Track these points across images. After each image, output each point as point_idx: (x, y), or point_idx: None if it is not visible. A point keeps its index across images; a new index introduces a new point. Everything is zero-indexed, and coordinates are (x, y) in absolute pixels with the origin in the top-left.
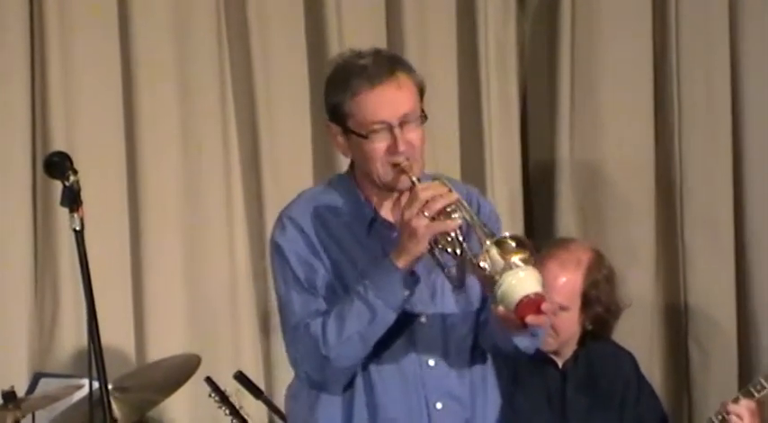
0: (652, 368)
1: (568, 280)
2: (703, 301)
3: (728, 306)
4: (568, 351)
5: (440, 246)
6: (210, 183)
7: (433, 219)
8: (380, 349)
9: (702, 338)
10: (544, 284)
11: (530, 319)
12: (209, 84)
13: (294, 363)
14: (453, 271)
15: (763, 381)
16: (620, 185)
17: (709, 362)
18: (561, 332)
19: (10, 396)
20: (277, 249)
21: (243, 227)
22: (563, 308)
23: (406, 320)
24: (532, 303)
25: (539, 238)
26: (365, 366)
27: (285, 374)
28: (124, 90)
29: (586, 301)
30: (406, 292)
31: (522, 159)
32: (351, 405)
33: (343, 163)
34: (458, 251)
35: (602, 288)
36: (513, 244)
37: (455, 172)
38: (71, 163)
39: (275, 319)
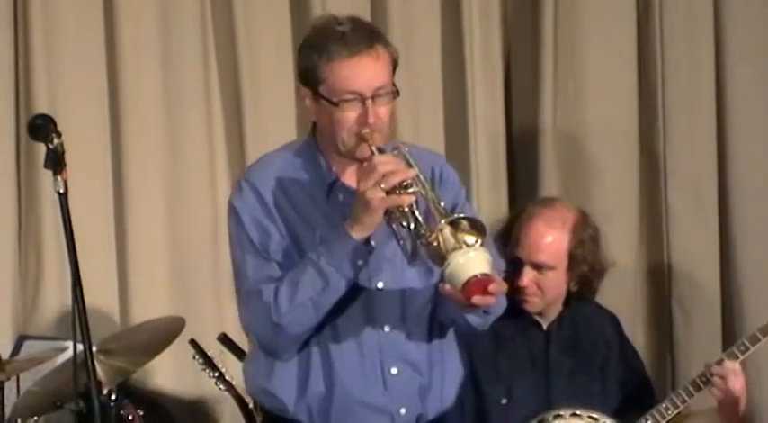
0: (635, 329)
1: (555, 239)
2: (686, 263)
3: (712, 267)
4: (553, 312)
5: (396, 217)
6: (194, 146)
7: (389, 192)
8: (336, 315)
9: (685, 299)
10: (532, 246)
11: (476, 299)
12: (193, 49)
13: (246, 327)
14: (408, 244)
15: (746, 342)
16: (603, 147)
17: (693, 323)
18: (547, 292)
19: None
20: (233, 212)
21: (226, 191)
22: (549, 267)
23: (362, 287)
24: (480, 283)
25: (522, 202)
26: (321, 332)
27: None
28: (107, 53)
29: (572, 260)
30: (360, 262)
31: (505, 123)
32: (307, 370)
33: None
34: (412, 225)
35: (588, 247)
36: (467, 225)
37: (438, 135)
38: (55, 125)
39: None
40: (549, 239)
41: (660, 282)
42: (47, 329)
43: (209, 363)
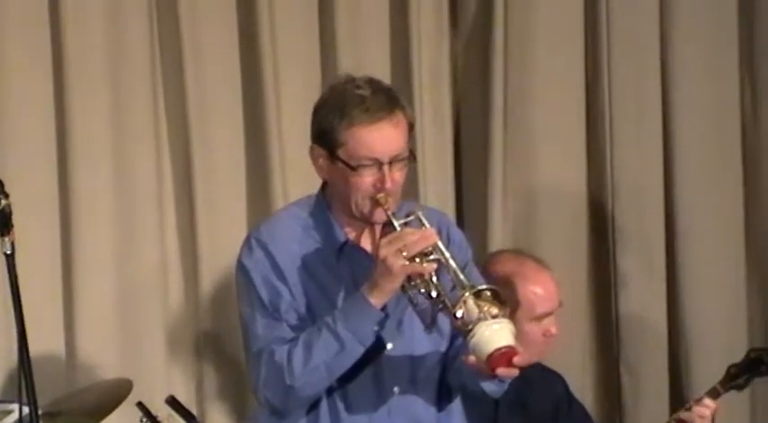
0: (584, 395)
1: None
2: (635, 328)
3: (660, 332)
4: None
5: (413, 284)
6: (143, 210)
7: (410, 259)
8: (346, 375)
9: (634, 365)
10: (553, 293)
11: (501, 371)
12: (141, 107)
13: (255, 388)
14: (425, 310)
15: (693, 404)
16: (553, 207)
17: (641, 388)
18: None
19: None
20: (243, 271)
21: (176, 256)
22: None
23: (372, 347)
24: (505, 356)
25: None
26: (330, 391)
27: (217, 399)
28: (56, 115)
29: None
30: (376, 328)
31: (455, 184)
32: None
33: (276, 177)
34: (432, 293)
35: None
36: (490, 295)
37: None
38: (2, 186)
39: (207, 344)
40: (553, 281)
41: (608, 344)
42: None
43: None
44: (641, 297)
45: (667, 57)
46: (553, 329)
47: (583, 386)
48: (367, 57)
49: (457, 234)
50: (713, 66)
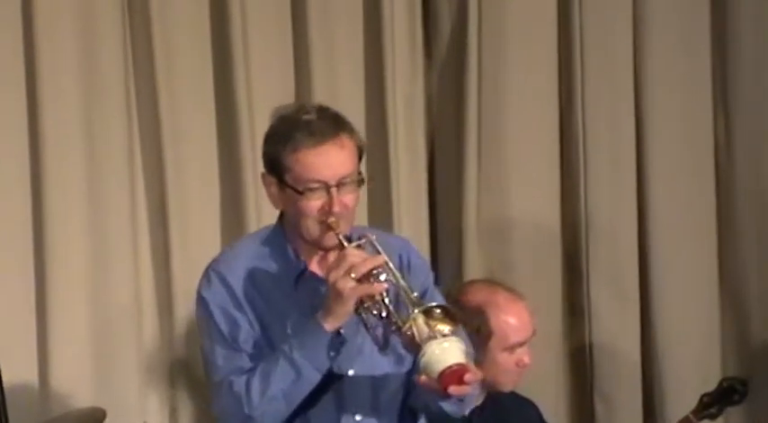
0: (558, 422)
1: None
2: (609, 358)
3: (634, 362)
4: (478, 397)
5: (366, 306)
6: (117, 240)
7: (359, 281)
8: (307, 403)
9: (607, 393)
10: (526, 322)
11: (452, 389)
12: (115, 139)
13: (217, 418)
14: (378, 332)
15: None
16: (525, 237)
17: (615, 418)
18: None
19: None
20: (202, 303)
21: (150, 285)
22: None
23: (333, 375)
24: (455, 374)
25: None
26: (291, 420)
27: None
28: (30, 148)
29: None
30: (332, 353)
31: (429, 213)
32: None
33: (250, 207)
34: (383, 314)
35: None
36: (440, 313)
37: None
38: None
39: (181, 372)
40: (527, 311)
41: (582, 374)
42: None
43: None
44: (614, 327)
45: (641, 83)
46: (526, 359)
47: (557, 415)
48: (341, 87)
49: (417, 258)
50: (686, 95)
